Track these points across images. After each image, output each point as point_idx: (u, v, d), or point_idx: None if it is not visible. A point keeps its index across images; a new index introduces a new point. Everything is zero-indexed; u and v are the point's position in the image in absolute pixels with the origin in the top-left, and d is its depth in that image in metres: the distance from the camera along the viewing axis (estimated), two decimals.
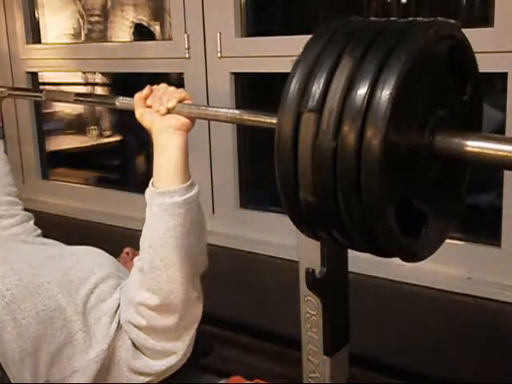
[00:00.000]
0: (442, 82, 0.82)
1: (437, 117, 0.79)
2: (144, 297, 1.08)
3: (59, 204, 2.67)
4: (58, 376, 1.09)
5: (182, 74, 2.22)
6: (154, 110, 1.10)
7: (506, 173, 1.64)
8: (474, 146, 0.76)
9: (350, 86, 0.71)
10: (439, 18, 0.81)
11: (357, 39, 0.76)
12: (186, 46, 2.16)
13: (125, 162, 2.93)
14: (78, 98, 1.33)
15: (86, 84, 2.89)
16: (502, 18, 1.58)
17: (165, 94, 1.11)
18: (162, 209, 1.06)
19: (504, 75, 1.60)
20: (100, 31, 2.69)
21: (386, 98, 0.69)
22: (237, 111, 1.08)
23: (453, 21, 0.82)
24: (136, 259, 1.12)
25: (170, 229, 1.05)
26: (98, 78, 2.85)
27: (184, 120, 1.11)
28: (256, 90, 2.31)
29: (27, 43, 2.67)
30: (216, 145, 2.17)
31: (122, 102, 1.20)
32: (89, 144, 2.98)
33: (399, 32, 0.74)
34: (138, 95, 1.13)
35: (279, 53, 1.95)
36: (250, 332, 1.98)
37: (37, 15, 2.70)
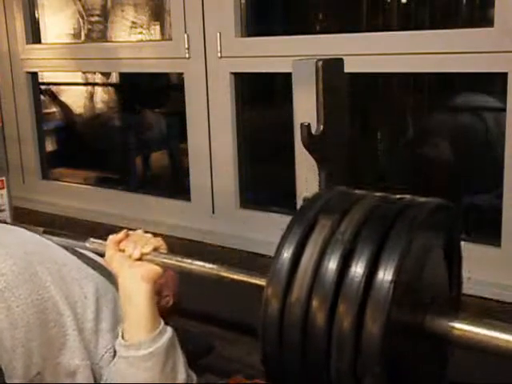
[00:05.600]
0: (435, 257, 0.82)
1: (428, 295, 0.79)
2: None
3: (59, 204, 2.67)
4: (52, 370, 1.08)
5: (182, 74, 2.22)
6: (127, 254, 1.08)
7: (506, 173, 1.64)
8: (459, 328, 0.77)
9: (345, 264, 0.69)
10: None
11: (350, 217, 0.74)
12: (186, 46, 2.16)
13: (125, 161, 2.93)
14: (48, 234, 1.28)
15: (86, 84, 2.89)
16: (502, 18, 1.58)
17: (141, 239, 1.10)
18: (128, 362, 1.05)
19: (504, 75, 1.60)
20: (100, 31, 2.69)
21: (387, 280, 0.67)
22: (214, 266, 1.02)
23: (443, 200, 0.80)
24: None
25: None
26: (98, 79, 2.85)
27: (155, 269, 1.07)
28: (256, 89, 2.31)
29: (27, 43, 2.67)
30: (216, 145, 2.17)
31: (93, 242, 1.18)
32: (89, 144, 2.98)
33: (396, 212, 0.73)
34: (113, 237, 1.12)
35: (279, 53, 1.94)
36: (250, 332, 1.97)
37: (37, 15, 2.70)
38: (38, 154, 2.80)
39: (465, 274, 1.76)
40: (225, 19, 2.06)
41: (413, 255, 0.70)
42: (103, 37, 2.69)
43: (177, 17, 2.18)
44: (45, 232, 1.28)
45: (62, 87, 3.00)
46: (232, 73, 2.10)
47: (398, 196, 0.78)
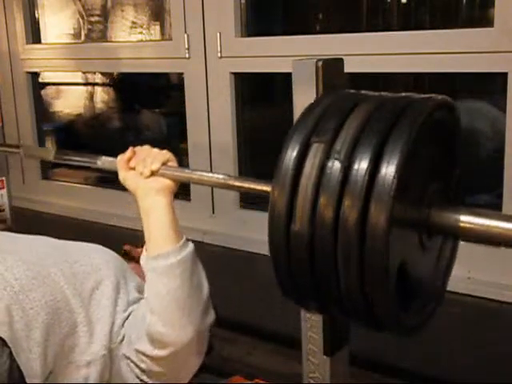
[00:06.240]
0: (437, 154, 0.82)
1: (432, 190, 0.79)
2: (148, 348, 1.08)
3: (59, 204, 2.67)
4: (63, 369, 1.09)
5: (182, 74, 2.22)
6: (138, 173, 1.10)
7: (506, 173, 1.64)
8: (466, 221, 0.77)
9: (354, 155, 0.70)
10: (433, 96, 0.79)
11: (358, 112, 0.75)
12: (186, 46, 2.16)
13: None
14: (59, 155, 1.30)
15: (86, 84, 2.89)
16: (502, 18, 1.58)
17: (148, 155, 1.11)
18: (157, 273, 1.06)
19: (504, 75, 1.60)
20: (100, 31, 2.69)
21: (390, 174, 0.67)
22: (221, 176, 1.05)
23: (447, 98, 0.80)
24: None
25: (169, 292, 1.05)
26: (98, 79, 2.85)
27: (168, 182, 1.09)
28: (256, 89, 2.31)
29: (27, 43, 2.68)
30: (216, 145, 2.17)
31: (104, 161, 1.19)
32: (89, 144, 2.98)
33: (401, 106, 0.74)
34: (121, 157, 1.13)
35: (279, 53, 1.95)
36: (250, 332, 1.98)
37: (37, 15, 2.71)
38: None
39: (465, 273, 1.77)
40: (225, 19, 2.06)
41: (415, 151, 0.71)
42: (103, 37, 2.69)
43: (177, 17, 2.18)
44: (56, 156, 1.29)
45: (62, 87, 3.00)
46: (232, 73, 2.10)
47: (402, 94, 0.78)
